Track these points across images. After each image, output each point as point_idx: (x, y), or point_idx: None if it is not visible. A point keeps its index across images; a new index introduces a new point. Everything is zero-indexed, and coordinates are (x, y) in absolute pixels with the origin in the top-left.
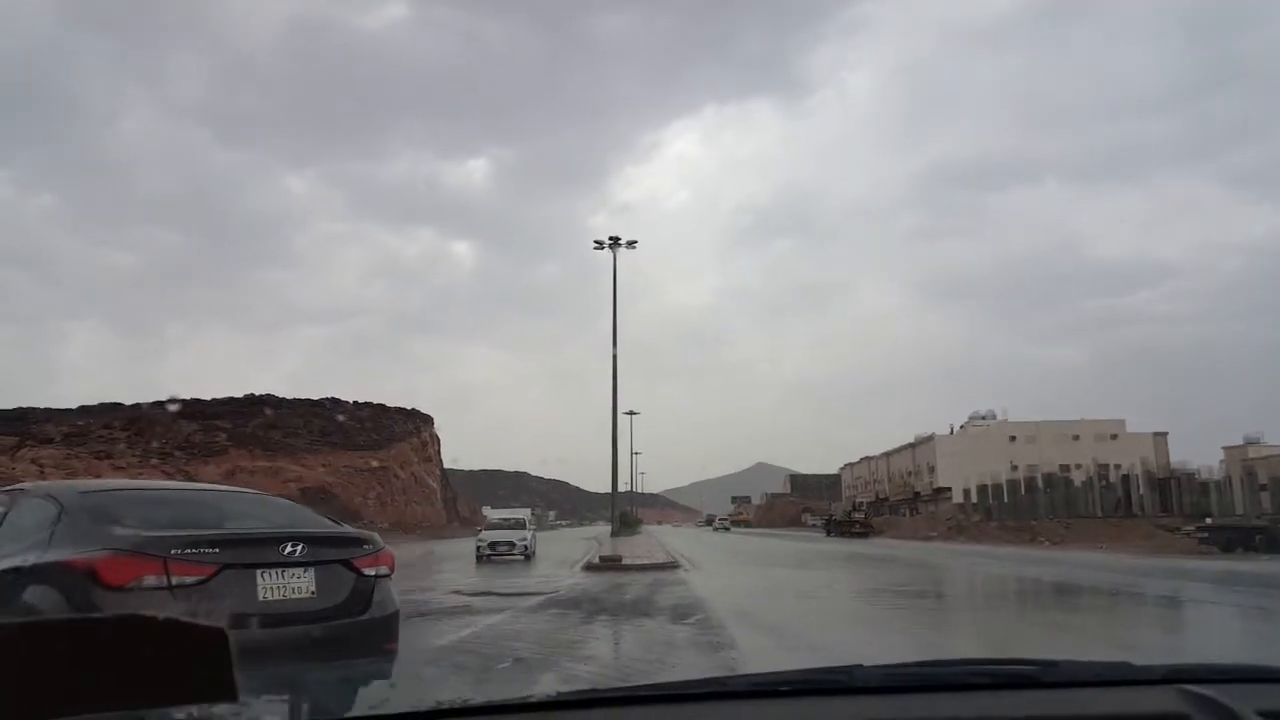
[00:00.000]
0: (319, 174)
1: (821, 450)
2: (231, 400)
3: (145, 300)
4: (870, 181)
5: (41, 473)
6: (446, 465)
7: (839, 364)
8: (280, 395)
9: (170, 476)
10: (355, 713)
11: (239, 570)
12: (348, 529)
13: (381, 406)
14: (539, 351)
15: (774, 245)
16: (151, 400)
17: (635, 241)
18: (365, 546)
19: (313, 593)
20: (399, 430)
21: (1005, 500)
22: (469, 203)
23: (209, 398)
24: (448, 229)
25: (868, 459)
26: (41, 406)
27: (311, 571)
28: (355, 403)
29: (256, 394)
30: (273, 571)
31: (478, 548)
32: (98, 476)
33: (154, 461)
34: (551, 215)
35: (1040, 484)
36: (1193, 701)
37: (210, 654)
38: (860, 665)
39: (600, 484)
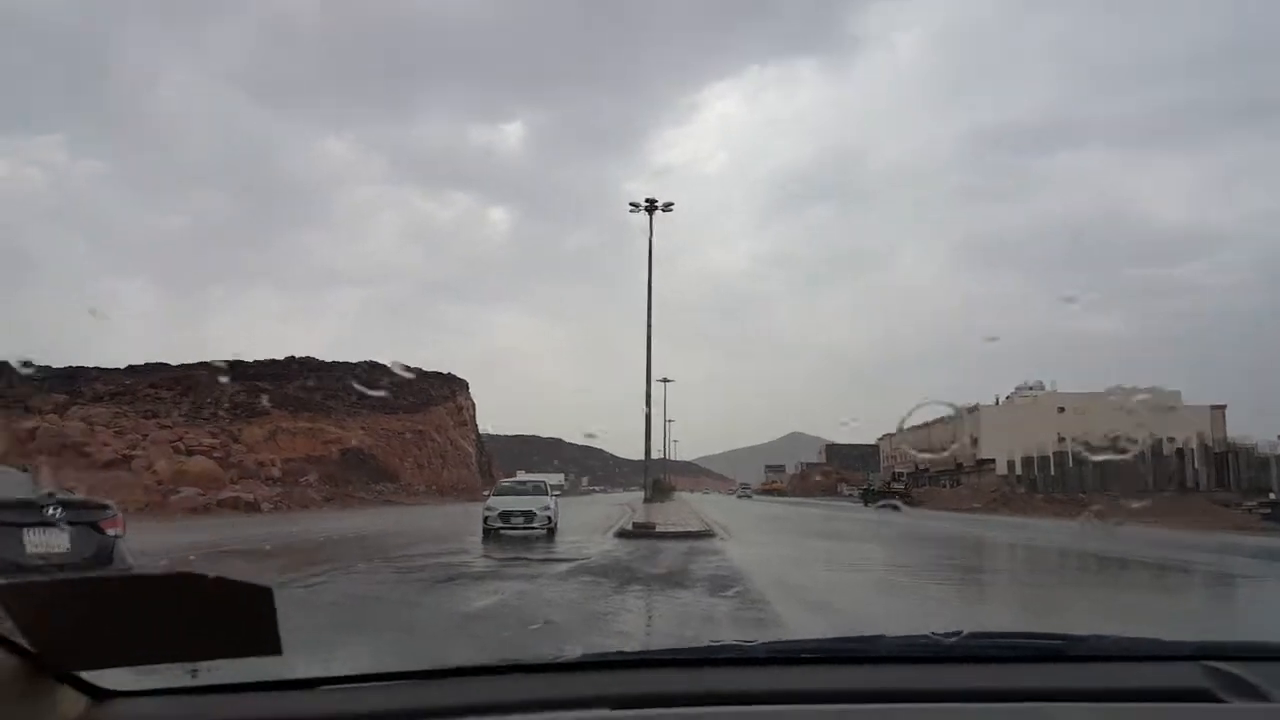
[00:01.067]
0: (357, 137)
1: (857, 420)
2: (274, 362)
3: (191, 262)
4: (915, 145)
5: (91, 430)
6: (481, 431)
7: (877, 332)
8: (320, 358)
9: (215, 436)
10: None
11: (6, 528)
12: (93, 498)
13: (419, 371)
14: (574, 318)
15: (814, 210)
16: (197, 360)
17: (671, 204)
18: (108, 510)
19: (68, 548)
20: (435, 394)
21: (1052, 473)
22: (504, 167)
23: (251, 359)
24: (483, 194)
25: (908, 429)
26: (91, 366)
27: (67, 531)
28: (392, 366)
29: (297, 356)
30: (37, 529)
31: (485, 519)
32: (144, 436)
33: (199, 421)
34: (587, 179)
35: (1090, 457)
36: (1219, 678)
37: (255, 610)
38: (882, 635)
39: (634, 451)
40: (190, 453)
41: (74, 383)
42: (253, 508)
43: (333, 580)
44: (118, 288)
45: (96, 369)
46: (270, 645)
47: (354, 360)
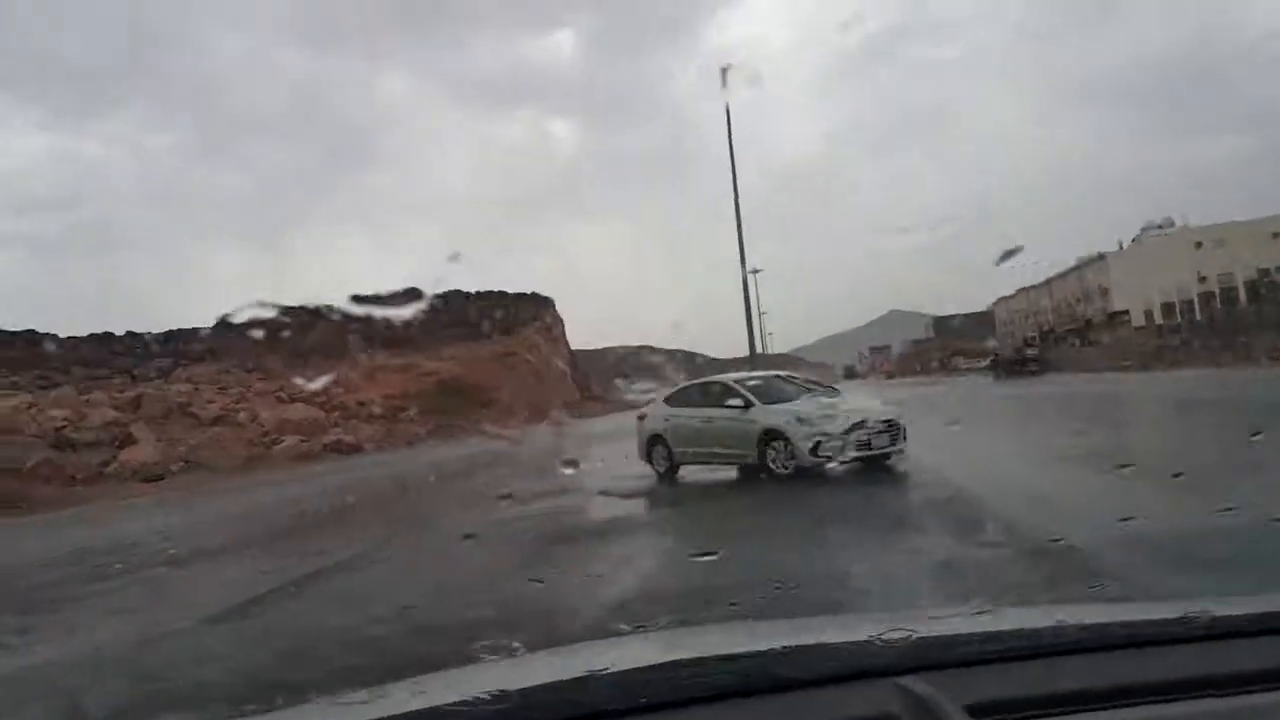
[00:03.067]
0: (413, 71)
1: (961, 289)
2: (359, 300)
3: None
4: None
5: (195, 390)
6: (572, 346)
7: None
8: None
9: (311, 380)
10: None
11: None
12: None
13: (502, 294)
14: (648, 220)
15: (885, 70)
16: (288, 307)
17: (754, 74)
18: None
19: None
20: (523, 316)
21: (1198, 317)
22: (561, 78)
23: (336, 303)
24: (543, 108)
25: (1025, 289)
26: (189, 327)
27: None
28: (477, 292)
29: (383, 294)
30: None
31: (797, 443)
32: (249, 388)
33: (301, 368)
34: (646, 77)
35: (1241, 293)
36: (903, 700)
37: None
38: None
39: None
40: (292, 400)
41: (174, 345)
42: (355, 448)
43: None
44: (203, 249)
45: (193, 329)
46: None
47: (440, 290)
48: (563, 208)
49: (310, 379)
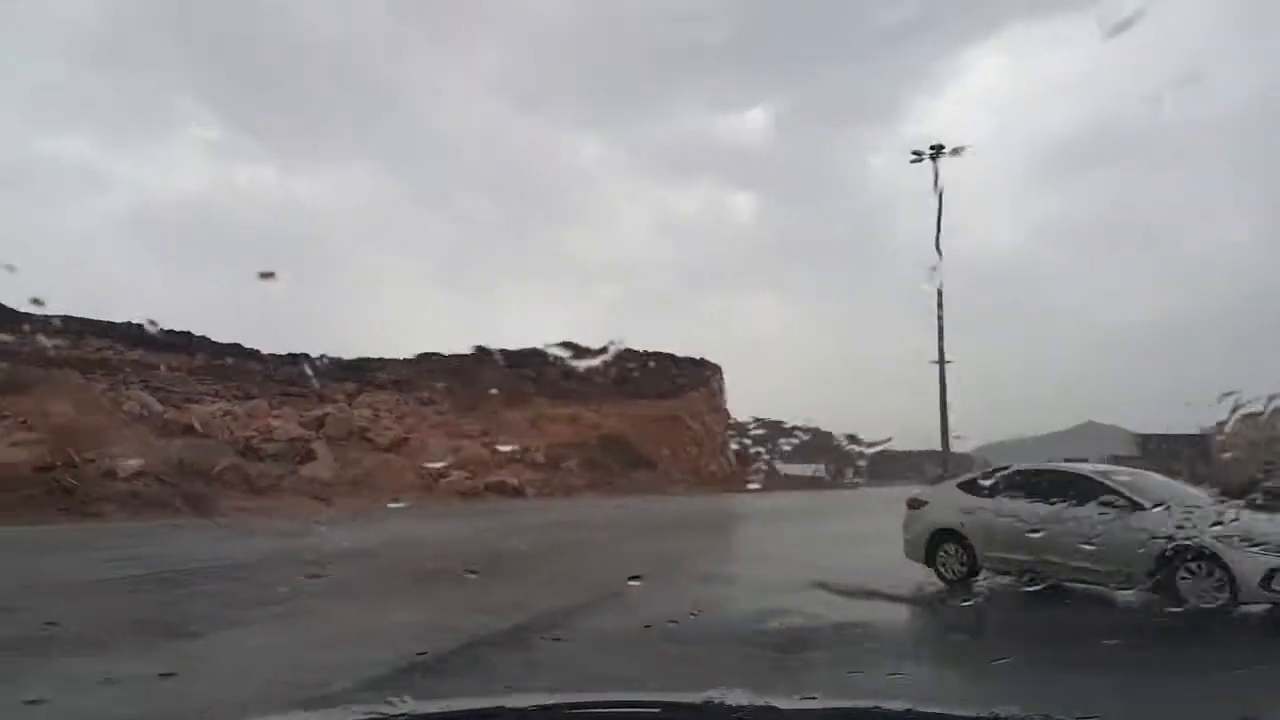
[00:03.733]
0: (605, 135)
1: (1166, 409)
2: (534, 351)
3: (462, 261)
4: (1221, 96)
5: (376, 416)
6: (734, 419)
7: (1183, 307)
8: (577, 343)
9: (482, 422)
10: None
11: None
12: None
13: (671, 356)
14: (824, 298)
15: (1093, 175)
16: (465, 351)
17: (960, 148)
18: None
19: None
20: (689, 380)
21: None
22: (748, 152)
23: (515, 348)
24: (728, 181)
25: (1250, 415)
26: (375, 357)
27: None
28: (646, 352)
29: (553, 343)
30: None
31: (1269, 576)
32: (423, 420)
33: (470, 408)
34: (836, 158)
35: None
36: None
37: None
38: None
39: (900, 442)
40: (462, 437)
41: (361, 372)
42: (518, 492)
43: None
44: (398, 286)
45: (380, 359)
46: None
47: (608, 346)
48: (737, 279)
49: (478, 420)
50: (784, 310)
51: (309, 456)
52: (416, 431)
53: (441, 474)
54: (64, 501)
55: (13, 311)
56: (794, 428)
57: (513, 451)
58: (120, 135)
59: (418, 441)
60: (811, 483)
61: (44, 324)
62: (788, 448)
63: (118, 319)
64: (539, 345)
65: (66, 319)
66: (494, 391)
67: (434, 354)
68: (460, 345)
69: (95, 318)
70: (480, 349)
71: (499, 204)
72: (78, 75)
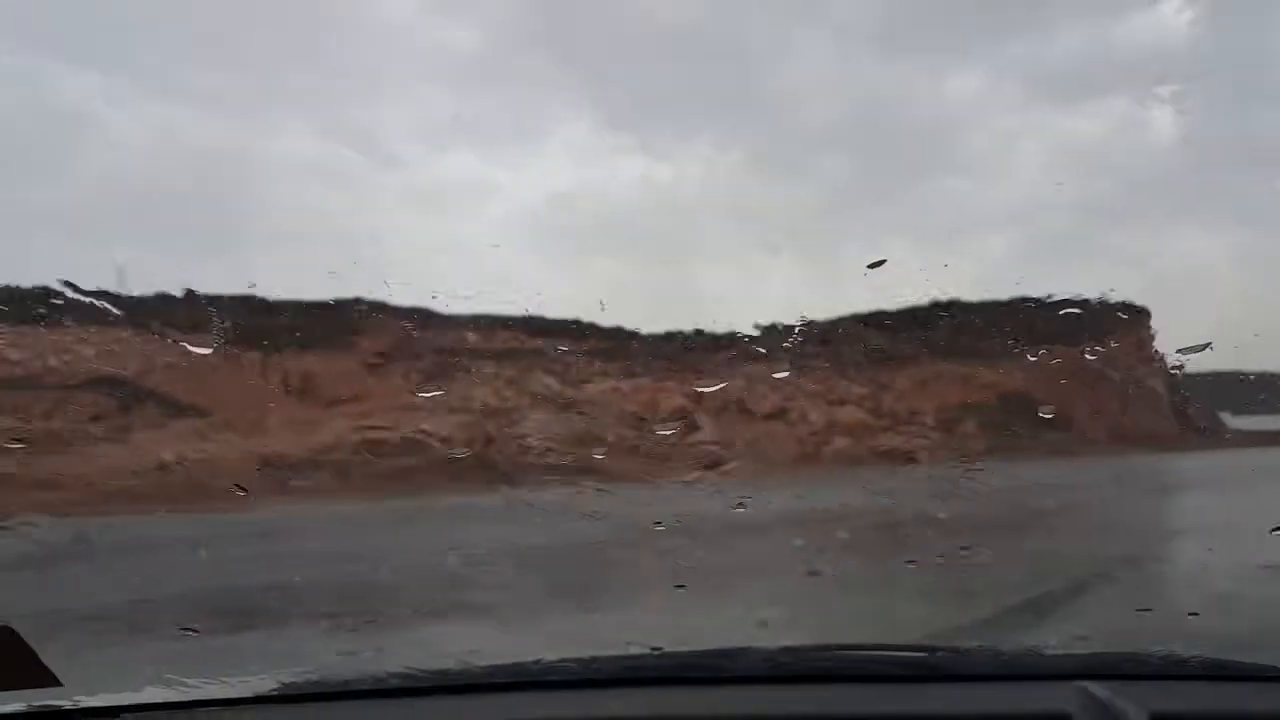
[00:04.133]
0: (986, 67)
1: None
2: (915, 310)
3: (825, 226)
4: None
5: (750, 386)
6: (1171, 366)
7: None
8: (965, 300)
9: (863, 386)
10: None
11: None
12: None
13: (1084, 303)
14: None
15: None
16: (836, 315)
17: None
18: None
19: None
20: (1107, 328)
21: None
22: (1165, 54)
23: (893, 309)
24: (1137, 94)
25: None
26: (742, 329)
27: None
28: (1049, 300)
29: (941, 300)
30: None
31: None
32: (798, 389)
33: (849, 373)
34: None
35: None
36: (1087, 702)
37: (3, 646)
38: (749, 648)
39: None
40: (841, 403)
41: (732, 345)
42: (908, 457)
43: None
44: (757, 257)
45: (745, 333)
46: (47, 678)
47: (1003, 298)
48: (1159, 209)
49: (858, 384)
50: (1222, 241)
51: (693, 428)
52: (794, 400)
53: (825, 441)
54: (489, 475)
55: (441, 315)
56: (1245, 374)
57: (900, 415)
58: (501, 147)
59: (796, 410)
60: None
61: (468, 322)
62: (1262, 396)
63: (516, 313)
64: (920, 303)
65: (479, 317)
66: (876, 353)
67: (807, 321)
68: (820, 311)
69: (500, 313)
70: (857, 315)
71: (855, 162)
72: (463, 99)
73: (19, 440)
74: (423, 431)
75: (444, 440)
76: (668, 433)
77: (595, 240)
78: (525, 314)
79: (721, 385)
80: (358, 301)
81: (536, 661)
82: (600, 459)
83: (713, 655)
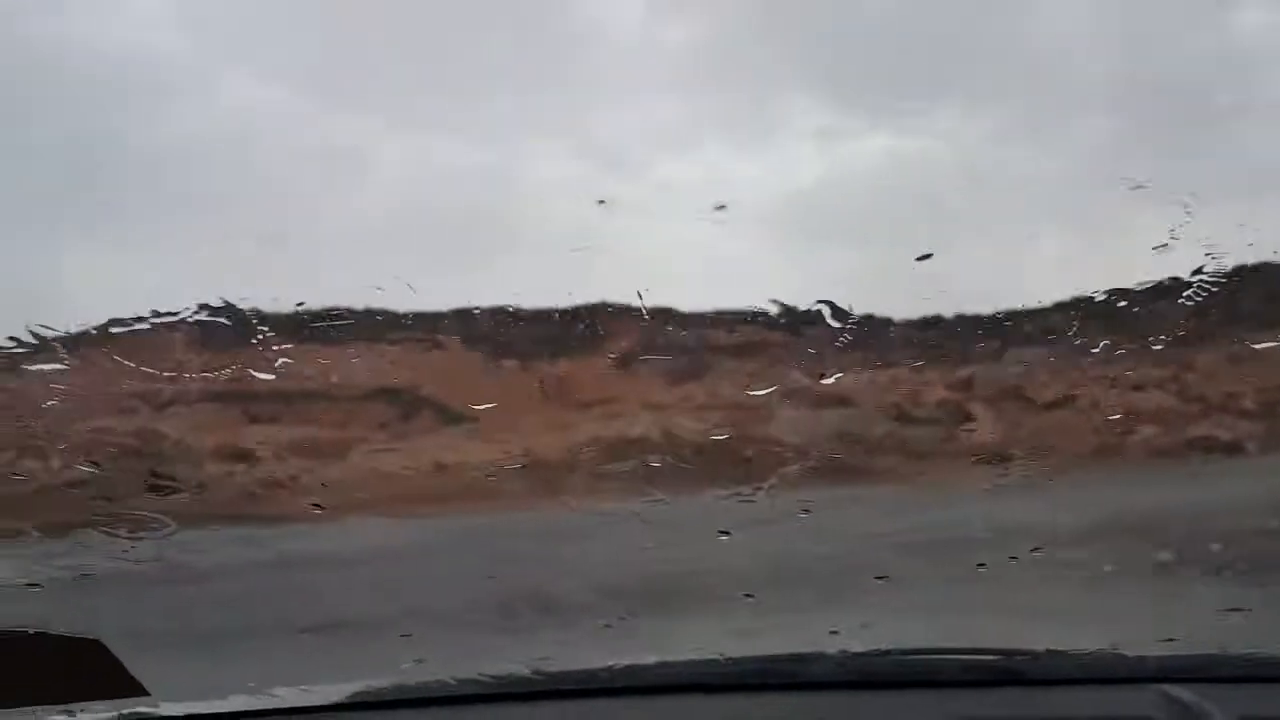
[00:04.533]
0: None
1: None
2: (1216, 276)
3: (1094, 193)
4: None
5: (1027, 371)
6: None
7: None
8: (1276, 261)
9: (1164, 369)
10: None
11: None
12: None
13: None
14: None
15: None
16: (1118, 287)
17: None
18: None
19: None
20: None
21: None
22: None
23: (1187, 278)
24: None
25: None
26: (1006, 310)
27: None
28: None
29: (1246, 265)
30: None
31: None
32: (1085, 373)
33: (1144, 354)
34: None
35: None
36: (1171, 706)
37: (93, 658)
38: (821, 653)
39: None
40: (1139, 388)
41: (1001, 328)
42: (1234, 448)
43: None
44: (1019, 231)
45: (1015, 313)
46: (134, 688)
47: None
48: None
49: (1163, 367)
50: None
51: (966, 419)
52: (1082, 386)
53: (1128, 430)
54: (740, 472)
55: (682, 313)
56: None
57: (1213, 401)
58: (736, 143)
59: (1086, 397)
60: None
61: (709, 319)
62: None
63: (760, 307)
64: (1222, 268)
65: (722, 313)
66: (1174, 330)
67: (1082, 298)
68: (1097, 285)
69: (742, 308)
70: (1144, 286)
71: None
72: (694, 99)
73: (310, 448)
74: (673, 430)
75: (696, 439)
76: (932, 426)
77: (836, 228)
78: (769, 305)
79: (991, 372)
80: (605, 305)
81: (608, 668)
82: (860, 456)
83: (785, 660)
